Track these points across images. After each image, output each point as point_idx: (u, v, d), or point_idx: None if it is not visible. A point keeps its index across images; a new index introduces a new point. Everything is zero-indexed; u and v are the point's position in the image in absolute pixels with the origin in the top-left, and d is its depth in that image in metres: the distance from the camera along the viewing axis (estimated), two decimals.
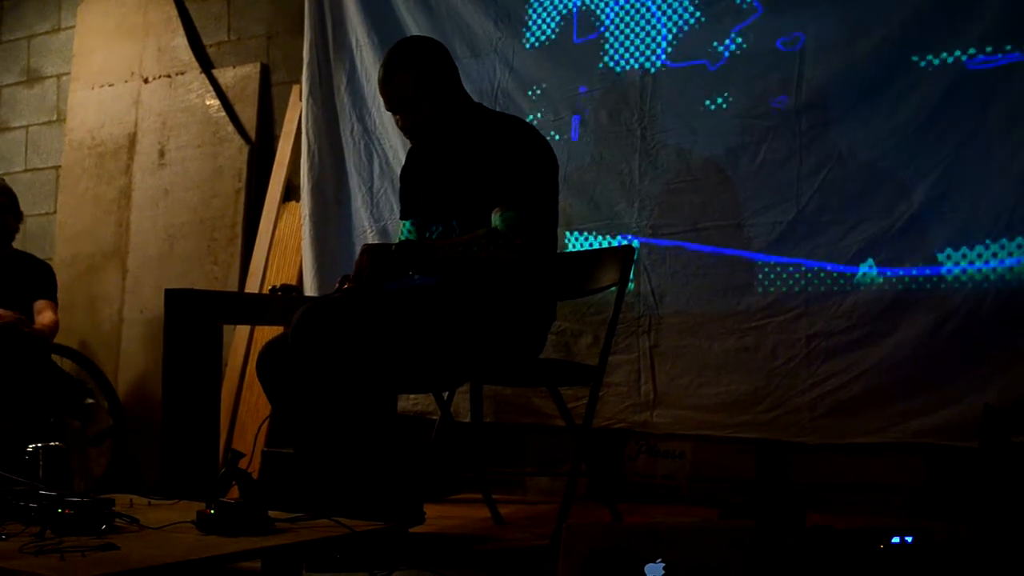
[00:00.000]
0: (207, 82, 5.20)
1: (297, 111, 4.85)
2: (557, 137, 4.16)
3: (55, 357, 4.79)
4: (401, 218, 3.36)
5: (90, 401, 4.49)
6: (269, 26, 5.15)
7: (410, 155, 3.36)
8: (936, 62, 3.53)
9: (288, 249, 4.81)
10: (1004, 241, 3.43)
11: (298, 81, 4.82)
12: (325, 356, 2.71)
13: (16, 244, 4.81)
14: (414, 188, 3.28)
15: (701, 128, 3.93)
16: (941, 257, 3.53)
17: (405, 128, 3.14)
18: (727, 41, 3.88)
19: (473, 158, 3.07)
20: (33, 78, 5.96)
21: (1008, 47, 3.43)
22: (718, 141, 3.89)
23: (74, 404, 4.46)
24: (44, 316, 4.59)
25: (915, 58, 3.56)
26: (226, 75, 5.20)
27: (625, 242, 3.94)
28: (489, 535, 3.40)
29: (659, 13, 4.01)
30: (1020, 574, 2.40)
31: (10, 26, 6.04)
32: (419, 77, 3.04)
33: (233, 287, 4.90)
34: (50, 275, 4.78)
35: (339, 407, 2.73)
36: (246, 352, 4.74)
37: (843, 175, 3.67)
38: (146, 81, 5.40)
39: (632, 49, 4.06)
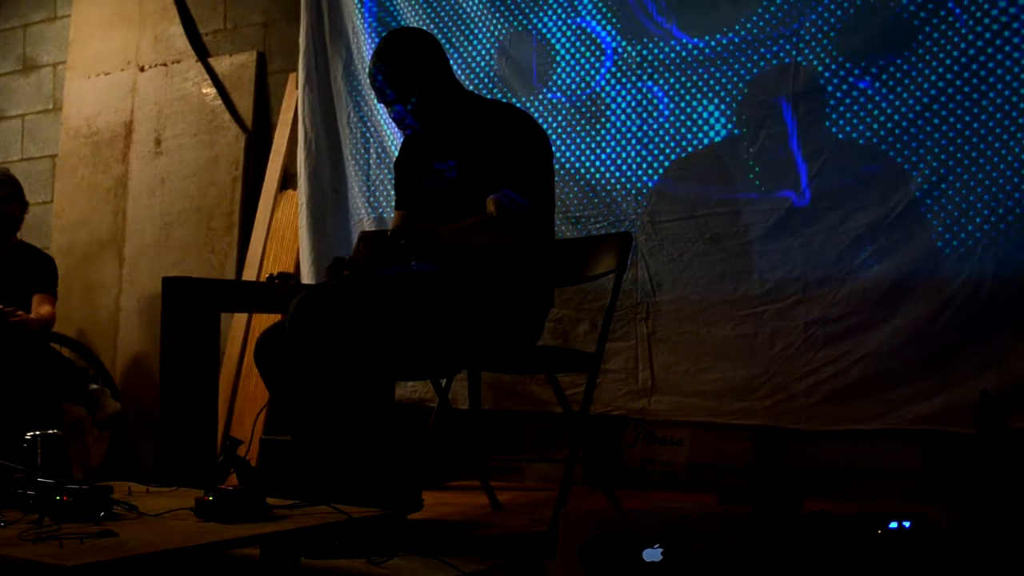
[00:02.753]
0: (203, 70, 5.18)
1: (294, 99, 4.84)
2: (555, 124, 4.15)
3: (54, 345, 4.79)
4: (396, 208, 3.35)
5: (94, 387, 4.48)
6: (265, 14, 5.14)
7: (404, 145, 3.35)
8: (935, 48, 3.53)
9: (285, 237, 4.80)
10: (1002, 227, 3.43)
11: (295, 69, 4.81)
12: (322, 343, 2.70)
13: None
14: (409, 178, 3.27)
15: (699, 114, 3.92)
16: (938, 243, 3.53)
17: (397, 119, 3.14)
18: (725, 27, 3.87)
19: (467, 146, 3.06)
20: (29, 67, 5.94)
21: (1007, 33, 3.43)
22: (716, 127, 3.89)
23: (77, 391, 4.45)
24: (41, 309, 4.59)
25: (913, 44, 3.56)
26: (222, 63, 5.19)
27: (623, 229, 3.93)
28: (487, 521, 3.40)
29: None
30: (1017, 559, 2.41)
31: (6, 15, 6.03)
32: (408, 67, 3.03)
33: (230, 275, 4.89)
34: (52, 268, 4.78)
35: (337, 394, 2.73)
36: (244, 340, 4.74)
37: (841, 161, 3.67)
38: (142, 69, 5.39)
39: (631, 36, 4.05)
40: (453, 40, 4.36)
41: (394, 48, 3.07)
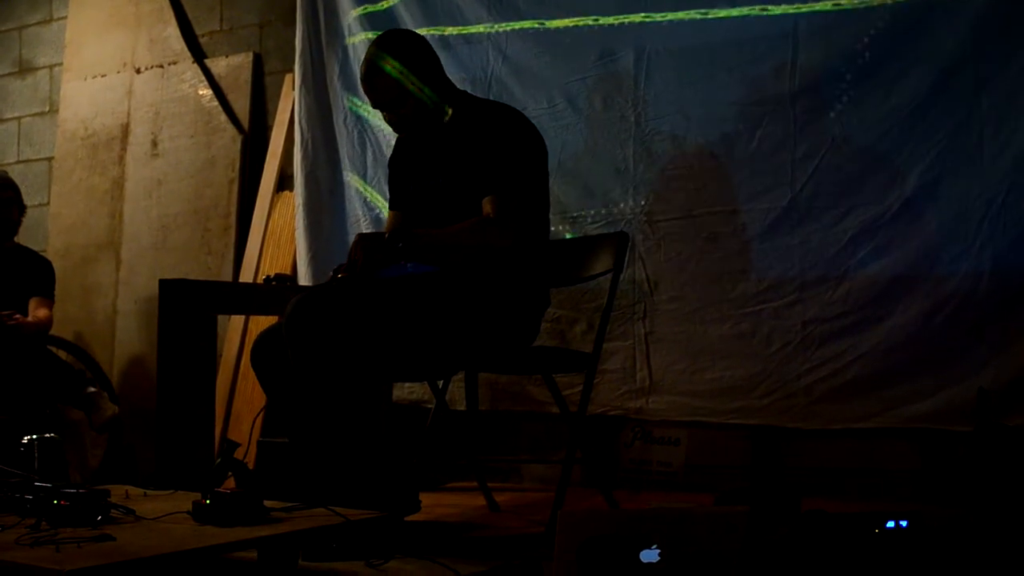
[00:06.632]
0: (200, 72, 5.18)
1: (290, 100, 4.84)
2: (551, 124, 4.13)
3: (52, 348, 4.78)
4: (391, 208, 3.35)
5: (92, 390, 4.47)
6: (261, 15, 5.13)
7: (398, 145, 3.35)
8: (930, 46, 3.52)
9: (282, 239, 4.80)
10: (999, 224, 3.42)
11: (291, 70, 4.81)
12: (319, 345, 2.70)
13: None
14: (404, 179, 3.27)
15: (695, 114, 3.92)
16: (935, 241, 3.53)
17: (392, 123, 3.15)
18: (721, 27, 3.87)
19: (461, 147, 3.06)
20: (25, 69, 5.94)
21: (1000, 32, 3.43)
22: (713, 127, 3.89)
23: (74, 394, 4.45)
24: (38, 312, 4.59)
25: (909, 43, 3.55)
26: (219, 65, 5.19)
27: (620, 228, 3.93)
28: (484, 523, 3.41)
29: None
30: (1014, 557, 2.41)
31: (2, 17, 6.02)
32: (401, 71, 3.03)
33: (227, 277, 4.89)
34: (49, 271, 4.78)
35: (334, 396, 2.73)
36: (241, 342, 4.74)
37: (837, 160, 3.67)
38: (138, 71, 5.39)
39: (626, 35, 4.05)
40: (449, 39, 4.35)
41: (384, 53, 3.06)
